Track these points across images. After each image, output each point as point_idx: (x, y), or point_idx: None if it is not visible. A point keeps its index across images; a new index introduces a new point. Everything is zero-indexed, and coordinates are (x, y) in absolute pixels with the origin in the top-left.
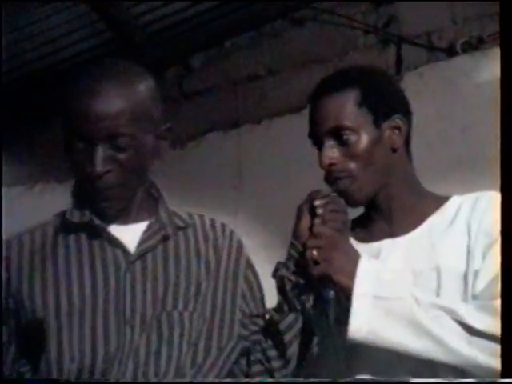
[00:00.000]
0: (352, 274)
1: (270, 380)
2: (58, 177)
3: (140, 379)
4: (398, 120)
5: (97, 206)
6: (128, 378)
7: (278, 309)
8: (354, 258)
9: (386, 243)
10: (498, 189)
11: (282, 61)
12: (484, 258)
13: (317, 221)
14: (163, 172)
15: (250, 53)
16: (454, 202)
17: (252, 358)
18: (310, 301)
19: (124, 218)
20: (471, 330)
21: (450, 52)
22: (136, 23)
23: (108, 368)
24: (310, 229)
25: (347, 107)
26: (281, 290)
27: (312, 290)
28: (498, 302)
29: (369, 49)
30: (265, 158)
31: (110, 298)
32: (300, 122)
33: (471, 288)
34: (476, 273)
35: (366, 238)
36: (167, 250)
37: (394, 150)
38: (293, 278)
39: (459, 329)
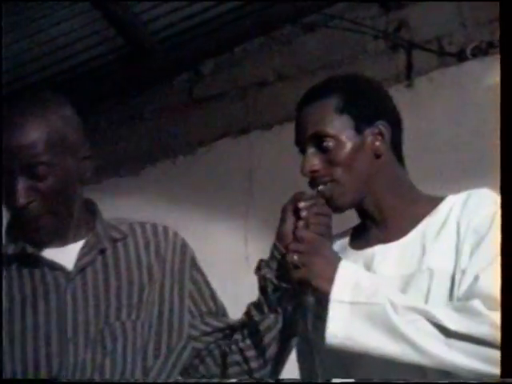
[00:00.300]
0: (331, 280)
1: (269, 381)
2: None
3: None
4: (380, 126)
5: (29, 235)
6: None
7: (258, 308)
8: (334, 263)
9: (378, 249)
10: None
11: (292, 66)
12: (471, 256)
13: (300, 224)
14: (174, 177)
15: (259, 59)
16: (448, 201)
17: (229, 359)
18: (290, 304)
19: (62, 240)
20: (448, 332)
21: (460, 57)
22: (146, 30)
23: None
24: (294, 231)
25: (327, 114)
26: (262, 289)
27: (293, 294)
28: (476, 302)
29: (379, 54)
30: (275, 163)
31: (52, 318)
32: None
33: (457, 289)
34: (463, 272)
35: (361, 246)
36: (106, 262)
37: (378, 156)
38: (275, 280)
39: (436, 332)
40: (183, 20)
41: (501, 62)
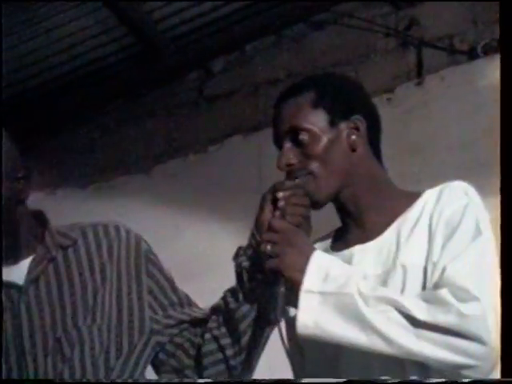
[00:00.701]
0: (303, 270)
1: (268, 380)
2: (79, 182)
3: None
4: (356, 121)
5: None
6: None
7: (234, 295)
8: (307, 253)
9: (356, 249)
10: None
11: (302, 64)
12: (443, 248)
13: (277, 213)
14: (185, 176)
15: (270, 57)
16: (424, 196)
17: (203, 349)
18: (264, 294)
19: (15, 257)
20: (417, 322)
21: (471, 55)
22: (157, 28)
23: None
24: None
25: (302, 109)
26: (238, 277)
27: (267, 283)
28: (444, 292)
29: (389, 52)
30: None
31: (9, 335)
32: None
33: (429, 281)
34: (434, 264)
35: (341, 247)
36: (58, 270)
37: (354, 150)
38: (249, 269)
39: (405, 322)
40: (194, 18)
41: (501, 62)
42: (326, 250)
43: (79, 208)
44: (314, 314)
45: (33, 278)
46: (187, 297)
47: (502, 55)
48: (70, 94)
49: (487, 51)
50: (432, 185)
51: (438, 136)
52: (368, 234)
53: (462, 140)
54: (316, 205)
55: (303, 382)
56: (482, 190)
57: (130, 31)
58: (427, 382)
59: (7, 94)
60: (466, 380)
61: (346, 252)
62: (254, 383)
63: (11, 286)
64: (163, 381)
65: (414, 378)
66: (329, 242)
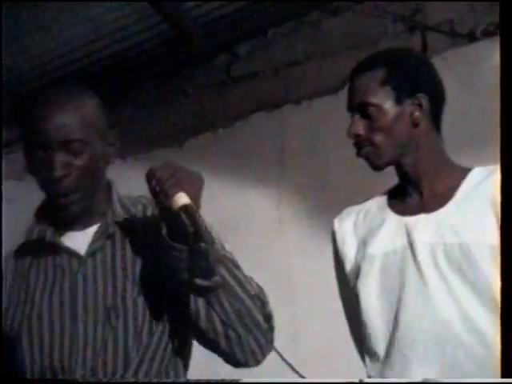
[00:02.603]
0: None
1: (263, 380)
2: (120, 154)
3: (90, 369)
4: (420, 98)
5: (59, 212)
6: (79, 370)
7: None
8: None
9: (420, 218)
10: None
11: (319, 48)
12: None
13: (161, 198)
14: (214, 148)
15: (290, 41)
16: (475, 174)
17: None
18: None
19: (84, 224)
20: None
21: (471, 38)
22: (188, 16)
23: (64, 366)
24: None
25: (372, 85)
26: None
27: None
28: None
29: (397, 36)
30: (305, 134)
31: (65, 300)
32: (336, 102)
33: None
34: None
35: (403, 211)
36: (114, 246)
37: (416, 125)
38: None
39: None
40: (221, 7)
41: (500, 47)
42: (383, 208)
43: (120, 177)
44: None
45: (92, 252)
46: None
47: (501, 40)
48: (114, 76)
49: (485, 34)
50: None
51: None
52: (428, 203)
53: (463, 116)
54: (376, 168)
55: (303, 381)
56: (480, 160)
57: (164, 19)
58: (428, 382)
59: (60, 73)
60: (466, 380)
61: (411, 219)
62: (254, 383)
63: (74, 254)
64: (162, 381)
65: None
66: (385, 200)
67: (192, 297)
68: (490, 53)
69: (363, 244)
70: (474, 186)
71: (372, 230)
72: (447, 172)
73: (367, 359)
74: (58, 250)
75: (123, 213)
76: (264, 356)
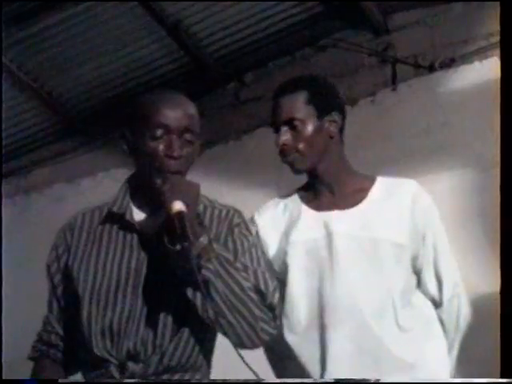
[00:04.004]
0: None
1: (271, 381)
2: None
3: (140, 338)
4: (335, 116)
5: (146, 192)
6: (133, 337)
7: None
8: None
9: (336, 213)
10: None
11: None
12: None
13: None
14: (227, 157)
15: (287, 71)
16: (381, 182)
17: None
18: None
19: (154, 208)
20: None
21: (431, 69)
22: (205, 51)
23: (121, 329)
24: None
25: (298, 104)
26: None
27: None
28: None
29: (372, 67)
30: None
31: (130, 276)
32: None
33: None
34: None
35: (318, 207)
36: None
37: (331, 137)
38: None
39: None
40: (230, 44)
41: (501, 62)
42: (299, 205)
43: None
44: None
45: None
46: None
47: (501, 55)
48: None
49: (442, 66)
50: (406, 166)
51: (407, 127)
52: (341, 201)
53: (426, 129)
54: (298, 172)
55: (303, 382)
56: (442, 166)
57: (185, 54)
58: (428, 382)
59: (105, 96)
60: (467, 380)
61: (328, 213)
62: (255, 383)
63: (143, 236)
64: (160, 380)
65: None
66: (297, 196)
67: (190, 289)
68: (446, 80)
69: (285, 234)
70: (383, 192)
71: (292, 221)
72: (353, 177)
73: (287, 333)
74: (131, 229)
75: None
76: (262, 341)
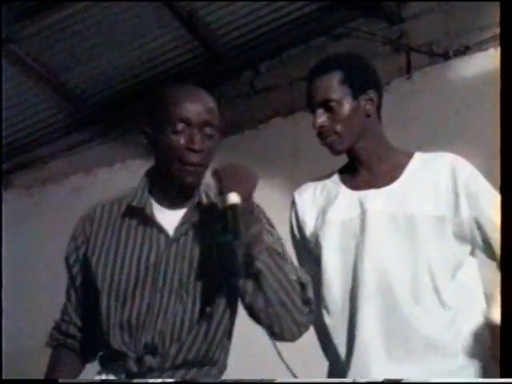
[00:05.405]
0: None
1: (267, 380)
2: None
3: (159, 331)
4: (371, 94)
5: (166, 184)
6: (151, 330)
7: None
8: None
9: (371, 192)
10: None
11: None
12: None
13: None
14: (242, 146)
15: (302, 61)
16: (418, 158)
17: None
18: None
19: (174, 204)
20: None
21: (445, 57)
22: (219, 41)
23: (139, 323)
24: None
25: (333, 84)
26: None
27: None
28: None
29: (387, 55)
30: (313, 135)
31: (149, 270)
32: None
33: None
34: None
35: (355, 187)
36: (194, 233)
37: (368, 116)
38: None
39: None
40: (245, 34)
41: (501, 60)
42: (337, 184)
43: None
44: None
45: (177, 237)
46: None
47: (501, 52)
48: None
49: (456, 54)
50: (418, 144)
51: (421, 114)
52: (376, 179)
53: (440, 117)
54: (337, 153)
55: (303, 382)
56: (457, 154)
57: (200, 44)
58: (429, 382)
59: (123, 86)
60: (467, 380)
61: (363, 192)
62: (256, 383)
63: (163, 232)
64: (159, 381)
65: None
66: (337, 176)
67: (242, 279)
68: (461, 69)
69: (322, 213)
70: (420, 167)
71: (329, 201)
72: (391, 154)
73: (325, 315)
74: (151, 223)
75: (206, 201)
76: (300, 334)
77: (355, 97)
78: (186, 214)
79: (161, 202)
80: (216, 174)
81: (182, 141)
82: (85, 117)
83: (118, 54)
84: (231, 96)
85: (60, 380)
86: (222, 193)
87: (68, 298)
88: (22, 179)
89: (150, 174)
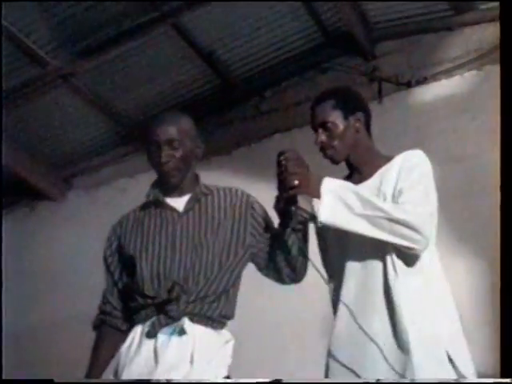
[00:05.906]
0: (320, 184)
1: (301, 380)
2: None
3: (182, 279)
4: (358, 115)
5: (163, 185)
6: (176, 276)
7: (283, 232)
8: (319, 176)
9: (360, 186)
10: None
11: (314, 93)
12: (404, 182)
13: (281, 168)
14: (249, 157)
15: (297, 89)
16: (395, 158)
17: (269, 267)
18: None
19: (179, 191)
20: (387, 216)
21: (409, 85)
22: (233, 74)
23: (165, 273)
24: (278, 174)
25: (328, 110)
26: (282, 217)
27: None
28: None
29: (363, 85)
30: (309, 149)
31: (168, 238)
32: None
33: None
34: (399, 191)
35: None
36: (201, 208)
37: (357, 132)
38: (293, 208)
39: (382, 215)
40: (253, 68)
41: (500, 70)
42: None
43: None
44: (330, 210)
45: (186, 210)
46: (270, 221)
47: (501, 61)
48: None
49: (418, 83)
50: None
51: (388, 132)
52: (363, 178)
53: (404, 132)
54: (336, 163)
55: (305, 382)
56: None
57: (218, 76)
58: (428, 382)
59: (156, 111)
60: (467, 380)
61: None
62: (259, 383)
63: (174, 210)
64: (164, 381)
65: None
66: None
67: (288, 231)
68: (421, 95)
69: None
70: (391, 165)
71: None
72: (377, 159)
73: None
74: (164, 206)
75: (205, 189)
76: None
77: (346, 118)
78: (190, 197)
79: (169, 194)
80: (281, 155)
81: (157, 158)
82: (128, 134)
83: (153, 85)
84: (242, 117)
85: (56, 380)
86: (290, 172)
87: (106, 284)
88: (80, 183)
89: (157, 179)
